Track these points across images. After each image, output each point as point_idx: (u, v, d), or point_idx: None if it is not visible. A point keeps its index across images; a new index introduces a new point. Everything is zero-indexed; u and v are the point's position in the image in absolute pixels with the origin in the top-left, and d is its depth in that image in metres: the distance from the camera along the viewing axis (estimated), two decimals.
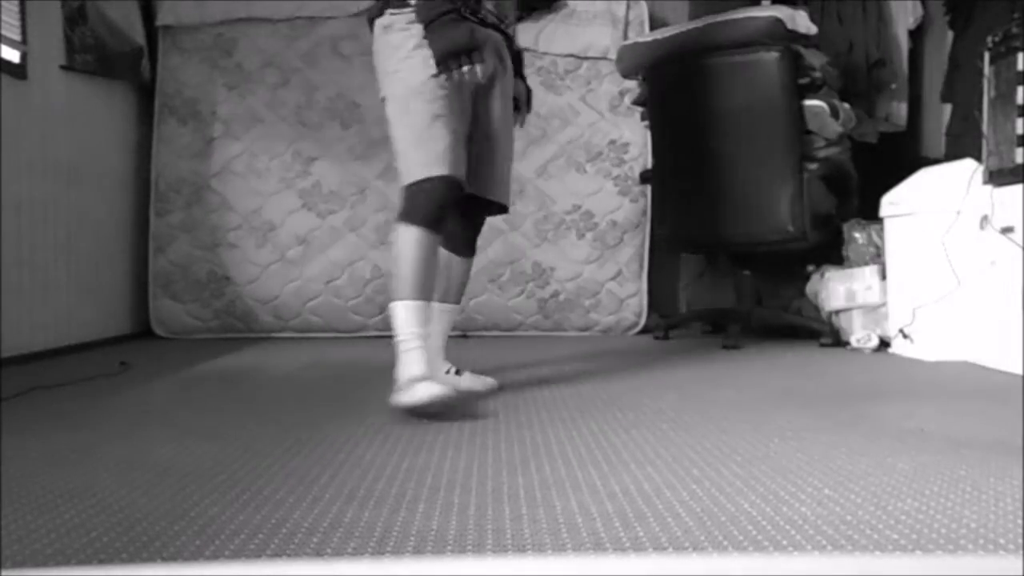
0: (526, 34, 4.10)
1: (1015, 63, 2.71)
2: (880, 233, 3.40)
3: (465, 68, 2.20)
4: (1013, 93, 2.72)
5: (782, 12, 3.45)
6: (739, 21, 3.51)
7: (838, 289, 3.49)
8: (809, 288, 3.76)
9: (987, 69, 2.88)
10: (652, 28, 4.31)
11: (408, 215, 2.24)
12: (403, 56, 2.27)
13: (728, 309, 3.91)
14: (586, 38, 4.35)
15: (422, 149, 2.26)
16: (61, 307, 3.55)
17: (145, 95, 4.31)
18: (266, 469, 1.55)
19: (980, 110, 2.95)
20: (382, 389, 2.30)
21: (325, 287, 4.21)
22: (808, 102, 3.47)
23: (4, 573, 1.02)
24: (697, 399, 2.30)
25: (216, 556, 1.09)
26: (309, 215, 4.22)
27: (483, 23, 2.35)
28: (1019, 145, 2.69)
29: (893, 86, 4.35)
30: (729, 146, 3.56)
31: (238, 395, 2.56)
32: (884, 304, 3.33)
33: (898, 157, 4.20)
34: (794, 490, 1.36)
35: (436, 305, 2.63)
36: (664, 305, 4.37)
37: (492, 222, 2.95)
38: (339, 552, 1.10)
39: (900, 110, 4.41)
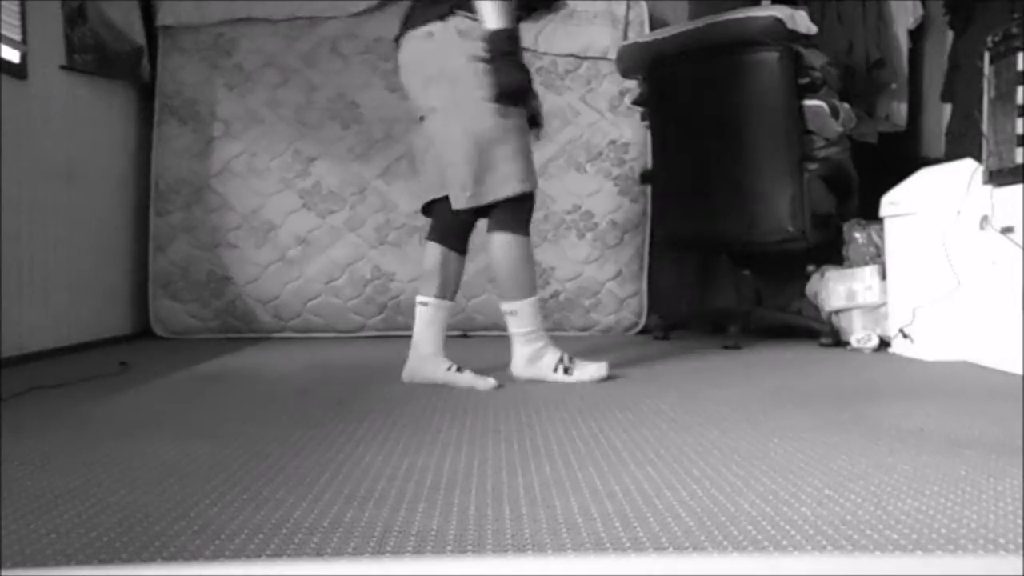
0: (526, 34, 4.08)
1: (1015, 63, 2.71)
2: (880, 233, 3.40)
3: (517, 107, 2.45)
4: (1013, 93, 2.72)
5: (782, 12, 3.44)
6: (739, 21, 3.51)
7: (838, 289, 3.48)
8: (809, 288, 3.75)
9: (987, 69, 2.88)
10: (652, 28, 4.31)
11: (515, 226, 2.52)
12: (487, 68, 2.41)
13: (728, 309, 3.91)
14: (586, 38, 4.35)
15: (522, 161, 2.49)
16: (61, 307, 3.55)
17: (145, 95, 4.31)
18: (266, 469, 1.55)
19: (980, 110, 2.95)
20: (382, 389, 2.31)
21: (325, 287, 4.21)
22: (808, 102, 3.47)
23: (4, 573, 1.02)
24: (697, 399, 2.30)
25: (216, 556, 1.09)
26: (309, 215, 4.22)
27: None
28: (1019, 145, 2.68)
29: (893, 86, 4.35)
30: (729, 146, 3.56)
31: (238, 395, 2.56)
32: (884, 304, 3.33)
33: (898, 157, 4.21)
34: (794, 490, 1.36)
35: (436, 302, 2.65)
36: (664, 305, 4.37)
37: None
38: (339, 552, 1.10)
39: (900, 110, 4.41)
